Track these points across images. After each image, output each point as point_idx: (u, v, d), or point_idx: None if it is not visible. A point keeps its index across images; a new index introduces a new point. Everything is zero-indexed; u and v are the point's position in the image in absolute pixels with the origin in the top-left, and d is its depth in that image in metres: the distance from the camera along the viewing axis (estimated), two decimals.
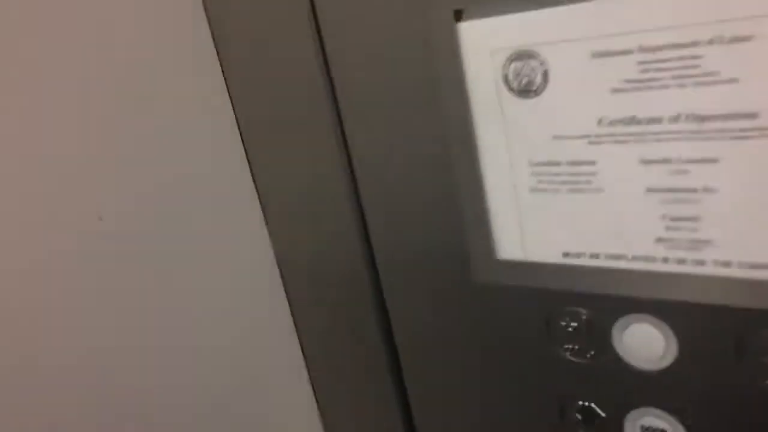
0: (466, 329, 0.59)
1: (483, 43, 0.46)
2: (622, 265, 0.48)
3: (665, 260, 0.46)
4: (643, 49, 0.41)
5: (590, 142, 0.45)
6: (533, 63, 0.45)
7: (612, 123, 0.44)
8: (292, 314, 0.70)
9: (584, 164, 0.46)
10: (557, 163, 0.47)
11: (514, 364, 0.57)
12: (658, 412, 0.52)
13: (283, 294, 0.69)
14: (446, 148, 0.51)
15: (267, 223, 0.67)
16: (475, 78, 0.47)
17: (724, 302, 0.44)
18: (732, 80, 0.39)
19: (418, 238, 0.57)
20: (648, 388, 0.51)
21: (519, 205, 0.50)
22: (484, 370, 0.59)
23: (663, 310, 0.48)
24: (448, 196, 0.53)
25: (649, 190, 0.44)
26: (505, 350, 0.57)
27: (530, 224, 0.50)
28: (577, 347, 0.53)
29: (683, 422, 0.51)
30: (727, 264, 0.43)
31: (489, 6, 0.45)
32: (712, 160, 0.41)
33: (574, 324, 0.53)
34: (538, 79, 0.45)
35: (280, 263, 0.68)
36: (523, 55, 0.45)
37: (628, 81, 0.42)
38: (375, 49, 0.52)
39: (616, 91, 0.43)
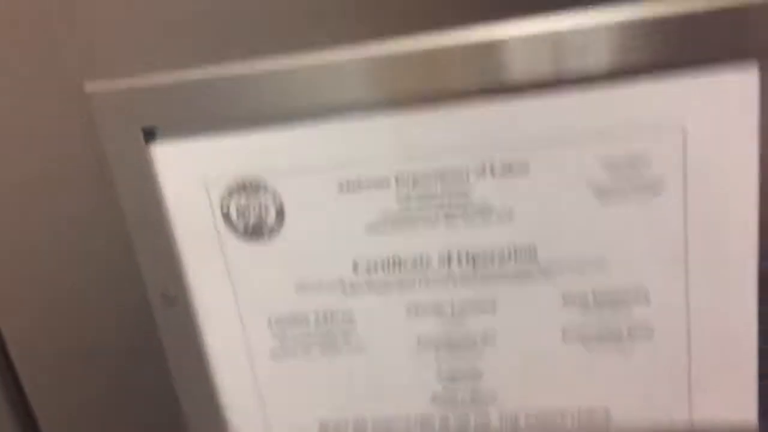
0: None
1: (191, 171, 0.33)
2: (394, 431, 0.38)
3: (445, 420, 0.37)
4: (402, 179, 0.32)
5: (345, 292, 0.35)
6: (263, 197, 0.33)
7: (370, 267, 0.34)
8: None
9: (339, 319, 0.36)
10: (305, 320, 0.36)
11: None
12: None
13: None
14: (148, 315, 0.37)
15: None
16: (184, 219, 0.34)
17: None
18: (507, 215, 0.32)
19: None
20: None
21: (257, 376, 0.37)
22: None
23: None
24: (159, 375, 0.38)
25: (421, 343, 0.36)
26: None
27: (275, 399, 0.38)
28: None
29: None
30: (514, 418, 0.37)
31: (195, 123, 0.32)
32: (490, 305, 0.34)
33: None
34: (272, 216, 0.34)
35: None
36: (248, 187, 0.33)
37: (387, 216, 0.33)
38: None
39: (372, 228, 0.33)
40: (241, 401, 0.38)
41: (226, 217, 0.34)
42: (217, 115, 0.32)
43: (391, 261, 0.34)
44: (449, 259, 0.33)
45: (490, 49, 0.29)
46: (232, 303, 0.36)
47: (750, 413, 0.34)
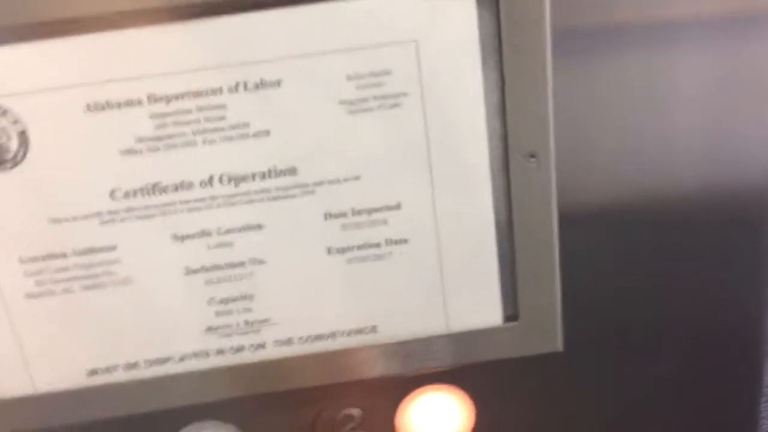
0: None
1: None
2: (168, 369, 0.37)
3: (220, 352, 0.37)
4: (154, 99, 0.32)
5: (104, 222, 0.34)
6: (2, 122, 0.31)
7: (129, 194, 0.33)
8: None
9: (101, 251, 0.34)
10: (62, 255, 0.34)
11: None
12: None
13: None
14: None
15: None
16: None
17: (293, 385, 0.38)
18: (263, 133, 0.33)
19: None
20: None
21: (12, 319, 0.35)
22: None
23: (224, 410, 0.39)
24: None
25: (190, 271, 0.35)
26: None
27: (33, 343, 0.36)
28: None
29: None
30: (288, 342, 0.38)
31: None
32: (256, 227, 0.35)
33: None
34: (14, 143, 0.32)
35: None
36: None
37: (142, 140, 0.32)
38: None
39: (128, 153, 0.32)
40: None
41: None
42: None
43: (150, 186, 0.33)
44: (211, 181, 0.34)
45: None
46: None
47: (495, 314, 0.38)
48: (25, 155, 0.32)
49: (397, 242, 0.36)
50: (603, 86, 0.34)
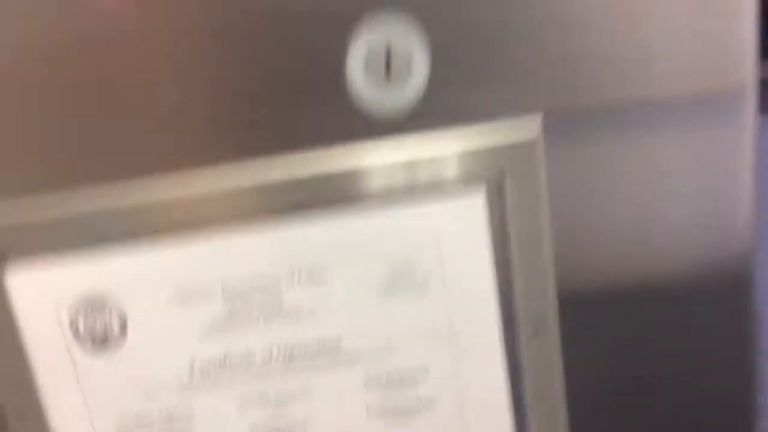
0: None
1: (42, 291, 0.39)
2: None
3: None
4: (227, 290, 0.40)
5: (183, 390, 0.41)
6: (107, 310, 0.40)
7: (204, 366, 0.41)
8: None
9: (180, 419, 0.41)
10: (149, 423, 0.41)
11: None
12: None
13: None
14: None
15: None
16: (35, 337, 0.39)
17: None
18: (313, 314, 0.40)
19: None
20: None
21: None
22: None
23: None
24: None
25: (252, 427, 0.42)
26: None
27: None
28: None
29: None
30: None
31: (41, 246, 0.38)
32: (306, 394, 0.42)
33: None
34: (116, 330, 0.40)
35: None
36: (94, 303, 0.39)
37: (216, 322, 0.40)
38: None
39: (204, 332, 0.40)
40: None
41: (75, 334, 0.40)
42: (63, 239, 0.38)
43: (221, 360, 0.41)
44: (270, 354, 0.41)
45: (288, 185, 0.38)
46: (84, 411, 0.41)
47: None
48: (124, 339, 0.40)
49: (425, 402, 0.42)
50: (594, 167, 0.39)
